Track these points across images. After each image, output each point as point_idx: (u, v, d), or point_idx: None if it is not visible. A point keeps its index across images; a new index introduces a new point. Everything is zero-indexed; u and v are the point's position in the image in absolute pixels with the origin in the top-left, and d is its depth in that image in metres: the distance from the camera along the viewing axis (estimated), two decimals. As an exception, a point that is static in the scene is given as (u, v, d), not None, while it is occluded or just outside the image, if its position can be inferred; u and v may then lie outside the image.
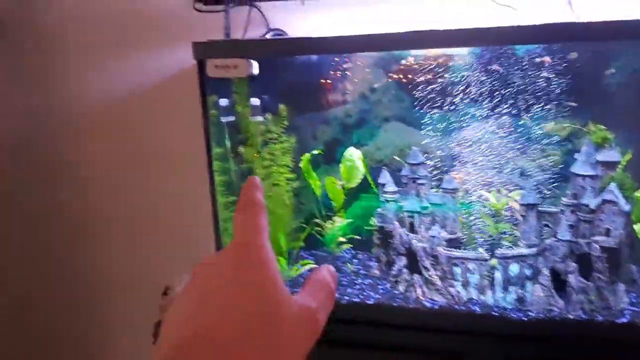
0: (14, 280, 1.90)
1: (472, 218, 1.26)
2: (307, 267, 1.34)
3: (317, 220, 1.38)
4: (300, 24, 1.41)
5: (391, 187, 1.27)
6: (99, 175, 1.71)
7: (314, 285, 0.42)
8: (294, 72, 1.43)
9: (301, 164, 1.36)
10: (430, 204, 1.24)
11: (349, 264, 1.36)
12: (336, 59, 1.36)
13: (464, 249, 1.22)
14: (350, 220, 1.37)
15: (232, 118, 1.38)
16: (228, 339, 0.35)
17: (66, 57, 1.65)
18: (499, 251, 1.18)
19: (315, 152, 1.38)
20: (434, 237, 1.20)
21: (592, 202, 1.10)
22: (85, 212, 1.76)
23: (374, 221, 1.33)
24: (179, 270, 1.52)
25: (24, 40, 1.68)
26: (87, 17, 1.60)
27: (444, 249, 1.20)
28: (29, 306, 1.91)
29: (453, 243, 1.22)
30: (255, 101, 1.35)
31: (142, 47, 1.57)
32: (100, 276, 1.80)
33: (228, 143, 1.39)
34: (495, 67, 1.22)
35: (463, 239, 1.24)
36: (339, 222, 1.36)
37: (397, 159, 1.34)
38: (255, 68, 1.19)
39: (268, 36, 1.38)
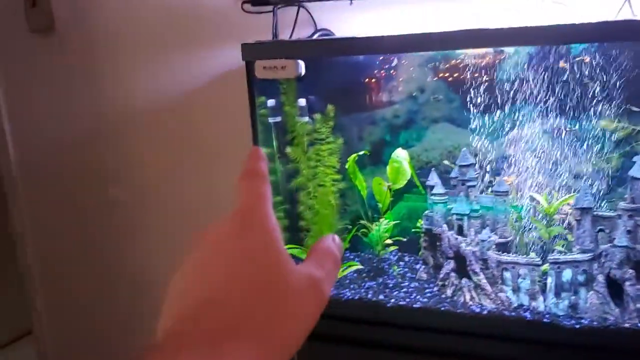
0: (65, 276, 1.96)
1: (523, 222, 1.23)
2: (353, 268, 1.33)
3: (363, 222, 1.37)
4: (348, 24, 1.40)
5: (439, 189, 1.25)
6: (148, 174, 1.75)
7: (319, 255, 0.41)
8: (341, 72, 1.42)
9: (347, 165, 1.35)
10: (480, 206, 1.21)
11: (394, 266, 1.35)
12: (384, 59, 1.35)
13: (515, 254, 1.19)
14: (396, 221, 1.36)
15: (279, 119, 1.39)
16: (233, 307, 0.34)
17: (115, 57, 1.69)
18: (551, 256, 1.14)
19: (362, 153, 1.37)
20: (484, 240, 1.18)
21: (652, 207, 1.06)
22: (135, 211, 1.79)
23: (421, 223, 1.31)
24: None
25: (73, 37, 1.73)
26: (136, 16, 1.63)
27: (494, 253, 1.18)
28: (79, 302, 1.96)
29: (503, 247, 1.20)
30: (301, 102, 1.35)
31: (190, 47, 1.59)
32: (149, 274, 1.84)
33: (275, 144, 1.39)
34: (548, 66, 1.18)
35: (514, 243, 1.21)
36: (385, 223, 1.35)
37: (446, 162, 1.31)
38: (302, 69, 1.19)
39: (315, 36, 1.38)
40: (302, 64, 1.18)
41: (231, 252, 0.37)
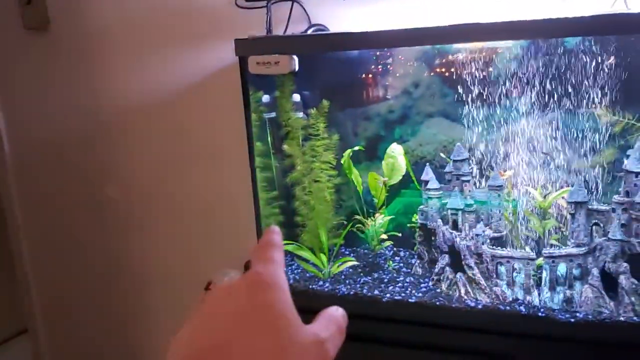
0: (59, 275, 1.95)
1: (518, 216, 1.23)
2: (349, 264, 1.33)
3: (359, 217, 1.37)
4: (342, 19, 1.40)
5: (434, 183, 1.25)
6: (141, 171, 1.74)
7: (325, 319, 0.43)
8: (335, 68, 1.42)
9: (342, 160, 1.35)
10: (474, 201, 1.21)
11: (390, 262, 1.35)
12: (378, 54, 1.35)
13: (510, 248, 1.20)
14: (391, 216, 1.36)
15: (273, 114, 1.38)
16: (237, 356, 0.35)
17: (109, 54, 1.69)
18: (546, 250, 1.14)
19: (357, 148, 1.36)
20: (478, 235, 1.18)
21: (646, 200, 1.06)
22: (130, 208, 1.79)
23: (416, 218, 1.31)
24: (221, 265, 1.53)
25: (68, 35, 1.72)
26: (129, 14, 1.63)
27: (489, 248, 1.18)
28: (74, 300, 1.96)
29: (498, 241, 1.20)
30: (295, 97, 1.35)
31: (183, 44, 1.58)
32: (143, 272, 1.83)
33: (270, 139, 1.39)
34: (542, 60, 1.18)
35: (508, 237, 1.21)
36: (381, 218, 1.34)
37: (442, 155, 1.31)
38: (296, 64, 1.19)
39: (310, 32, 1.37)
40: (295, 59, 1.18)
41: (238, 307, 0.38)
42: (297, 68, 1.19)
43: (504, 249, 1.18)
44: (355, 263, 1.34)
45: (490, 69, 1.22)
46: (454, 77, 1.27)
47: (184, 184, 1.69)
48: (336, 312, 0.44)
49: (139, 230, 1.80)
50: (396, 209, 1.39)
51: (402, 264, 1.35)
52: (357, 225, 1.37)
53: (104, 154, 1.77)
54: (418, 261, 1.31)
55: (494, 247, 1.18)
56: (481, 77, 1.23)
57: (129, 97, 1.69)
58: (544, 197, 1.20)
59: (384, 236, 1.35)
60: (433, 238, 1.27)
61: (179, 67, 1.59)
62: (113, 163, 1.77)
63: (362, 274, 1.33)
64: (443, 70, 1.30)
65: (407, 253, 1.39)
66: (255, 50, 1.20)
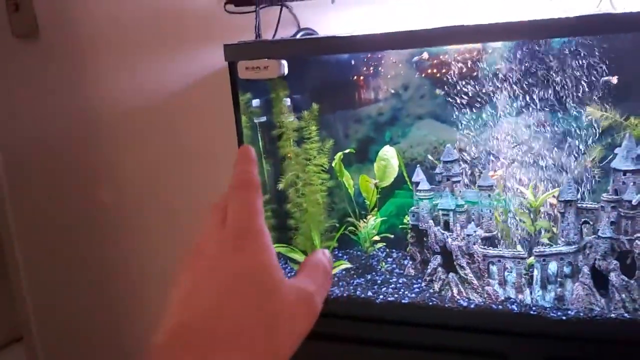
0: (53, 281, 1.95)
1: (508, 215, 1.24)
2: (342, 266, 1.34)
3: (351, 219, 1.37)
4: (330, 23, 1.40)
5: (424, 185, 1.25)
6: (133, 176, 1.74)
7: (309, 269, 0.42)
8: (323, 71, 1.43)
9: (334, 163, 1.35)
10: (465, 201, 1.22)
11: (382, 263, 1.35)
12: (367, 57, 1.35)
13: (501, 247, 1.20)
14: (383, 218, 1.36)
15: (264, 118, 1.39)
16: (226, 320, 0.35)
17: (99, 60, 1.69)
18: (537, 249, 1.15)
19: (347, 151, 1.37)
20: (469, 235, 1.18)
21: (635, 197, 1.07)
22: (123, 212, 1.79)
23: (408, 219, 1.31)
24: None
25: (57, 41, 1.72)
26: (119, 20, 1.63)
27: (480, 247, 1.18)
28: (69, 306, 1.96)
29: (489, 241, 1.20)
30: (285, 101, 1.35)
31: (173, 49, 1.59)
32: (138, 276, 1.83)
33: (261, 143, 1.39)
34: (529, 60, 1.19)
35: (499, 237, 1.22)
36: (373, 220, 1.35)
37: (430, 157, 1.32)
38: (285, 68, 1.19)
39: (299, 36, 1.38)
40: (284, 63, 1.18)
41: (225, 268, 0.38)
42: (286, 72, 1.20)
43: (495, 248, 1.19)
44: (349, 266, 1.34)
45: (479, 70, 1.23)
46: (443, 78, 1.28)
47: (177, 187, 1.69)
48: (321, 258, 0.44)
49: (133, 234, 1.80)
50: (389, 210, 1.40)
51: (394, 265, 1.36)
52: (349, 228, 1.38)
53: (96, 159, 1.77)
54: (410, 262, 1.31)
55: (485, 246, 1.19)
56: (469, 78, 1.24)
57: (121, 102, 1.69)
58: (535, 196, 1.21)
59: (377, 238, 1.36)
60: (425, 239, 1.28)
61: (169, 72, 1.60)
62: (106, 167, 1.77)
63: (355, 276, 1.33)
64: (432, 72, 1.30)
65: (400, 254, 1.40)
66: (245, 55, 1.21)
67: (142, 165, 1.72)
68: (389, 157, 1.33)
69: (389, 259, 1.39)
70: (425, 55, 1.29)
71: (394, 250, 1.41)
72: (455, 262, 1.20)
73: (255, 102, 1.38)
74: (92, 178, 1.80)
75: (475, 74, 1.24)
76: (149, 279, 1.82)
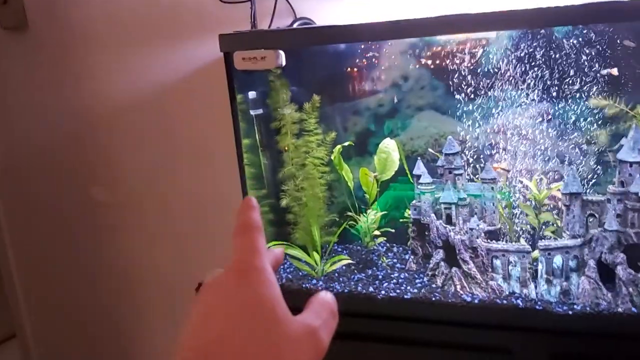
0: (47, 279, 1.92)
1: (512, 209, 1.21)
2: (343, 262, 1.31)
3: (350, 214, 1.34)
4: (327, 12, 1.37)
5: (426, 178, 1.23)
6: (128, 173, 1.71)
7: (315, 306, 0.44)
8: (320, 62, 1.40)
9: (333, 156, 1.32)
10: (467, 194, 1.19)
11: (383, 258, 1.33)
12: (365, 47, 1.32)
13: (504, 241, 1.18)
14: (384, 212, 1.34)
15: (260, 111, 1.36)
16: (229, 352, 0.37)
17: (91, 53, 1.64)
18: (541, 243, 1.13)
19: (347, 143, 1.34)
20: (472, 229, 1.16)
21: (641, 189, 1.05)
22: (118, 209, 1.76)
23: (409, 213, 1.29)
24: (212, 264, 1.51)
25: (47, 34, 1.68)
26: (111, 11, 1.58)
27: (483, 241, 1.16)
28: (63, 304, 1.93)
29: (492, 235, 1.18)
30: (283, 93, 1.32)
31: (167, 41, 1.55)
32: (134, 273, 1.80)
33: (258, 136, 1.36)
34: (532, 49, 1.16)
35: (503, 230, 1.20)
36: (373, 214, 1.32)
37: (431, 150, 1.29)
38: (283, 59, 1.16)
39: (295, 25, 1.34)
40: (282, 54, 1.15)
41: (230, 302, 0.39)
42: (284, 63, 1.16)
43: (499, 242, 1.17)
44: (349, 261, 1.32)
45: (480, 59, 1.20)
46: (444, 68, 1.25)
47: (173, 183, 1.66)
48: (326, 297, 0.45)
49: (129, 231, 1.77)
50: (386, 203, 1.37)
51: (395, 260, 1.33)
52: (349, 222, 1.35)
53: (90, 155, 1.73)
54: (412, 257, 1.29)
55: (489, 240, 1.17)
56: (471, 67, 1.21)
57: (115, 95, 1.65)
58: (539, 188, 1.19)
59: (377, 232, 1.33)
60: (427, 233, 1.25)
61: (164, 64, 1.56)
62: (99, 165, 1.73)
63: (355, 271, 1.31)
64: (433, 62, 1.28)
65: (401, 248, 1.37)
66: (241, 46, 1.17)
67: (137, 162, 1.69)
68: (389, 149, 1.31)
69: (389, 254, 1.36)
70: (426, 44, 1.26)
71: (394, 245, 1.38)
72: (458, 257, 1.18)
73: (252, 94, 1.35)
74: (87, 174, 1.76)
75: (477, 63, 1.21)
76: (144, 277, 1.79)
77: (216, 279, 0.41)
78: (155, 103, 1.60)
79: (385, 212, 1.34)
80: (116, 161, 1.71)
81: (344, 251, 1.40)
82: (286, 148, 1.34)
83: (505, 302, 1.13)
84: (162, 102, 1.60)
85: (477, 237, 1.16)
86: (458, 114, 1.24)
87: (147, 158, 1.66)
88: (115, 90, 1.64)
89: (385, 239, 1.35)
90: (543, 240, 1.14)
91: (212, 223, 1.63)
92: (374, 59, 1.33)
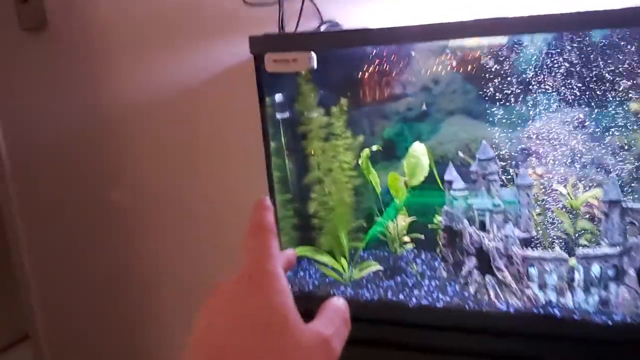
0: (63, 281, 1.90)
1: (547, 216, 1.19)
2: (373, 268, 1.28)
3: (379, 219, 1.32)
4: (353, 15, 1.35)
5: (459, 184, 1.20)
6: (148, 176, 1.69)
7: (327, 314, 0.43)
8: (349, 65, 1.37)
9: (360, 161, 1.30)
10: (502, 201, 1.17)
11: (414, 265, 1.30)
12: (395, 51, 1.30)
13: (540, 249, 1.16)
14: (413, 218, 1.31)
15: (287, 114, 1.34)
16: None
17: (112, 54, 1.63)
18: (579, 251, 1.10)
19: (374, 148, 1.32)
20: (508, 236, 1.13)
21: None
22: (136, 212, 1.73)
23: (439, 219, 1.26)
24: (234, 272, 1.48)
25: (67, 35, 1.66)
26: (133, 12, 1.57)
27: (519, 249, 1.13)
28: (77, 306, 1.91)
29: (527, 242, 1.16)
30: (312, 96, 1.30)
31: (190, 43, 1.53)
32: (151, 278, 1.78)
33: (284, 140, 1.34)
34: (568, 53, 1.14)
35: (538, 238, 1.17)
36: (402, 220, 1.30)
37: (461, 154, 1.27)
38: (315, 61, 1.14)
39: (323, 28, 1.32)
40: (314, 56, 1.13)
41: (239, 309, 0.39)
42: (315, 65, 1.14)
43: (535, 250, 1.14)
44: (380, 268, 1.29)
45: (514, 63, 1.18)
46: (477, 72, 1.22)
47: (194, 187, 1.63)
48: (338, 303, 0.44)
49: (146, 235, 1.74)
50: (416, 210, 1.35)
51: (425, 267, 1.31)
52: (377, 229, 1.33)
53: (109, 157, 1.71)
54: (442, 264, 1.26)
55: (524, 248, 1.14)
56: (505, 71, 1.19)
57: (133, 98, 1.63)
58: (575, 195, 1.16)
59: (407, 238, 1.30)
60: (458, 240, 1.23)
61: (186, 65, 1.53)
62: (117, 166, 1.71)
63: (383, 278, 1.28)
64: (464, 65, 1.25)
65: (429, 255, 1.35)
66: (271, 48, 1.15)
67: (158, 165, 1.66)
68: (419, 154, 1.28)
69: (417, 260, 1.34)
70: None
71: (422, 251, 1.36)
72: (492, 264, 1.15)
73: (278, 97, 1.33)
74: (105, 176, 1.74)
75: (510, 67, 1.18)
76: (162, 282, 1.77)
77: (226, 283, 0.41)
78: (176, 105, 1.58)
79: (415, 218, 1.32)
80: (136, 164, 1.69)
81: (370, 257, 1.37)
82: (313, 152, 1.31)
83: (542, 311, 1.10)
84: (183, 105, 1.57)
85: (513, 245, 1.13)
86: (491, 118, 1.21)
87: (168, 161, 1.64)
88: (136, 92, 1.62)
89: (414, 245, 1.32)
90: (581, 248, 1.11)
91: (235, 228, 1.59)
92: (400, 63, 1.31)
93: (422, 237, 1.31)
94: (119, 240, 1.79)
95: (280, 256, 0.44)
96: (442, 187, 1.26)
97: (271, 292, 0.39)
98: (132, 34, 1.59)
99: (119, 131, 1.68)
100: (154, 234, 1.74)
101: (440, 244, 1.26)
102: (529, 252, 1.13)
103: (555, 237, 1.19)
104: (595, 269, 1.09)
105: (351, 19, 1.35)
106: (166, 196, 1.68)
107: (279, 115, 1.33)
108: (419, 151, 1.28)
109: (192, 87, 1.55)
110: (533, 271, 1.13)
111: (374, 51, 1.32)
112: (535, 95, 1.17)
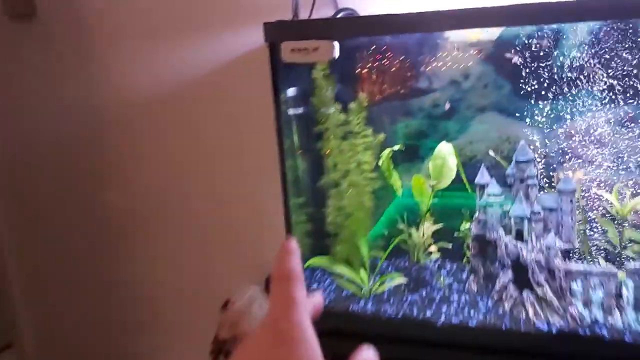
0: (52, 288, 1.78)
1: (590, 225, 1.08)
2: (397, 281, 1.17)
3: (402, 227, 1.20)
4: (369, 3, 1.24)
5: (494, 188, 1.09)
6: (147, 176, 1.56)
7: None
8: (370, 56, 1.26)
9: (381, 162, 1.19)
10: (542, 208, 1.05)
11: (441, 277, 1.19)
12: (422, 40, 1.19)
13: (583, 261, 1.05)
14: (440, 225, 1.20)
15: (301, 110, 1.22)
16: None
17: (107, 44, 1.50)
18: (629, 264, 0.99)
19: (396, 147, 1.20)
20: (549, 247, 1.02)
21: None
22: (133, 214, 1.61)
23: (467, 227, 1.15)
24: (241, 279, 1.36)
25: (58, 24, 1.54)
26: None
27: (561, 261, 1.02)
28: (68, 315, 1.79)
29: (570, 254, 1.04)
30: (329, 90, 1.18)
31: (194, 31, 1.41)
32: (151, 286, 1.66)
33: (297, 138, 1.22)
34: (618, 44, 1.03)
35: (581, 249, 1.06)
36: (427, 227, 1.19)
37: (492, 154, 1.16)
38: (337, 51, 1.02)
39: (339, 16, 1.21)
40: (337, 45, 1.01)
41: None
42: (337, 55, 1.02)
43: (578, 262, 1.03)
44: (403, 281, 1.17)
45: (556, 55, 1.07)
46: (509, 65, 1.11)
47: (198, 187, 1.51)
48: (369, 354, 0.43)
49: (147, 239, 1.61)
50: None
51: (451, 279, 1.19)
52: (398, 236, 1.21)
53: (105, 155, 1.59)
54: (472, 276, 1.15)
55: (566, 260, 1.03)
56: (545, 65, 1.08)
57: (130, 91, 1.50)
58: (622, 202, 1.05)
59: (433, 248, 1.19)
60: (491, 250, 1.11)
61: (190, 58, 1.41)
62: (115, 166, 1.58)
63: (406, 291, 1.17)
64: (496, 57, 1.14)
65: (454, 265, 1.23)
66: (287, 36, 1.03)
67: (158, 164, 1.53)
68: (445, 154, 1.17)
69: (442, 271, 1.22)
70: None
71: (447, 261, 1.25)
72: (530, 278, 1.04)
73: (291, 91, 1.21)
74: (101, 176, 1.61)
75: (550, 59, 1.07)
76: (163, 290, 1.64)
77: (252, 337, 0.40)
78: (178, 100, 1.46)
79: (442, 224, 1.20)
80: (134, 162, 1.56)
81: (390, 267, 1.26)
82: (329, 151, 1.20)
83: (588, 332, 0.99)
84: (186, 99, 1.45)
85: (555, 257, 1.02)
86: (529, 116, 1.10)
87: (169, 159, 1.52)
88: (135, 85, 1.49)
89: (440, 255, 1.21)
90: (632, 261, 1.00)
91: (243, 232, 1.48)
92: (424, 54, 1.20)
93: (449, 246, 1.20)
94: (112, 245, 1.67)
95: (307, 303, 0.42)
96: (471, 190, 1.15)
97: (295, 345, 0.39)
98: (129, 23, 1.47)
99: (115, 128, 1.55)
100: (155, 238, 1.61)
101: (470, 254, 1.15)
102: (574, 266, 1.01)
103: (600, 248, 1.08)
104: (647, 284, 0.98)
105: (368, 8, 1.24)
106: (165, 198, 1.55)
107: (292, 111, 1.21)
108: (445, 151, 1.16)
109: (196, 80, 1.43)
110: (576, 286, 1.02)
111: (396, 41, 1.21)
112: (577, 91, 1.06)
